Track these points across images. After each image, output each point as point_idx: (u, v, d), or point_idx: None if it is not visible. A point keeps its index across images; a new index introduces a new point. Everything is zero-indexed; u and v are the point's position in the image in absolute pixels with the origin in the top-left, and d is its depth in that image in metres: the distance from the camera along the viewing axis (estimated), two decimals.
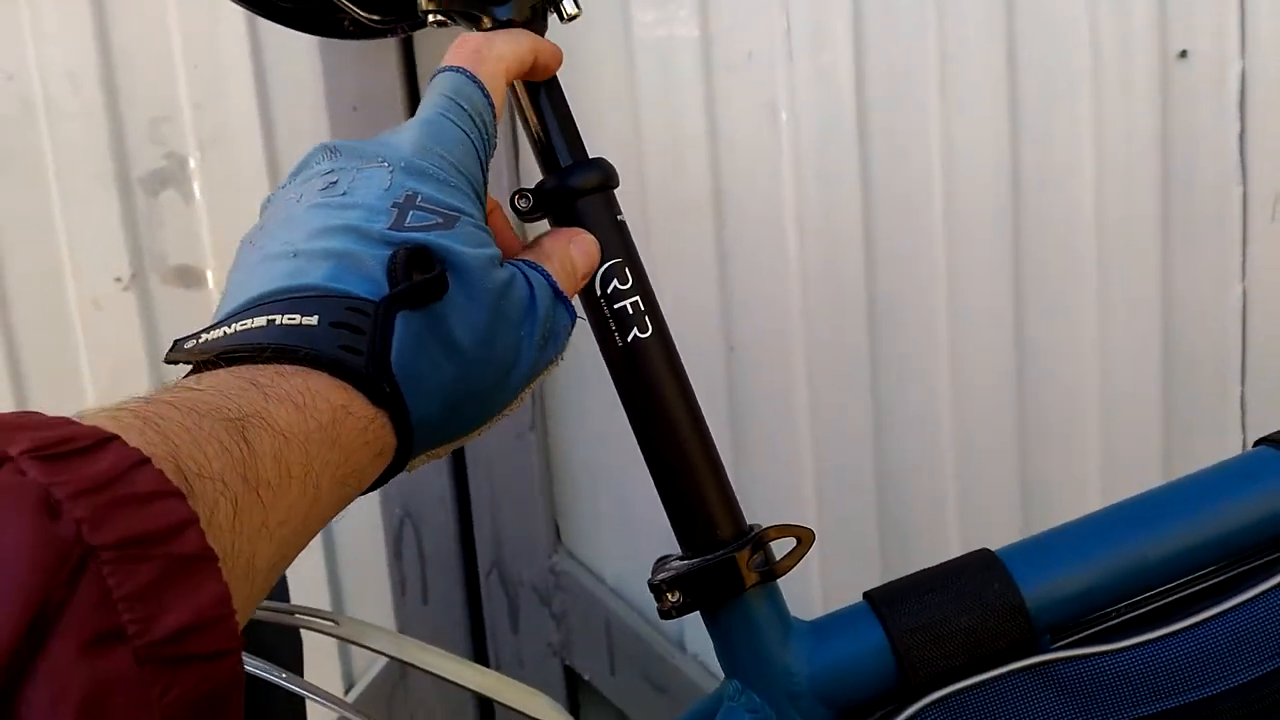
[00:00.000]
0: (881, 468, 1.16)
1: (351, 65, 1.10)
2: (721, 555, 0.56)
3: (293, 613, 0.62)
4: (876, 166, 1.10)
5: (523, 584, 1.18)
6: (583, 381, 1.17)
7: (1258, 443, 0.61)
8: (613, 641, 1.18)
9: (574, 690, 1.24)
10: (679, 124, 1.11)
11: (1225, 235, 1.07)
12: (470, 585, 1.19)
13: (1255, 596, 0.56)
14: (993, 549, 0.59)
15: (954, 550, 1.09)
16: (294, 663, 0.77)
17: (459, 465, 1.16)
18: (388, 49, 1.11)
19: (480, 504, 1.17)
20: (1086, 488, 1.11)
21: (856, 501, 1.16)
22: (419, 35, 1.12)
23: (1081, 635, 0.57)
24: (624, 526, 1.20)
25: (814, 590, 1.14)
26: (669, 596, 0.57)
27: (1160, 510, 0.59)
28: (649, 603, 1.19)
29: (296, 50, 1.12)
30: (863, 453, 1.15)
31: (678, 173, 1.12)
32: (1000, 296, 1.11)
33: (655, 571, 0.59)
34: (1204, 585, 0.58)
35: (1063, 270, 1.10)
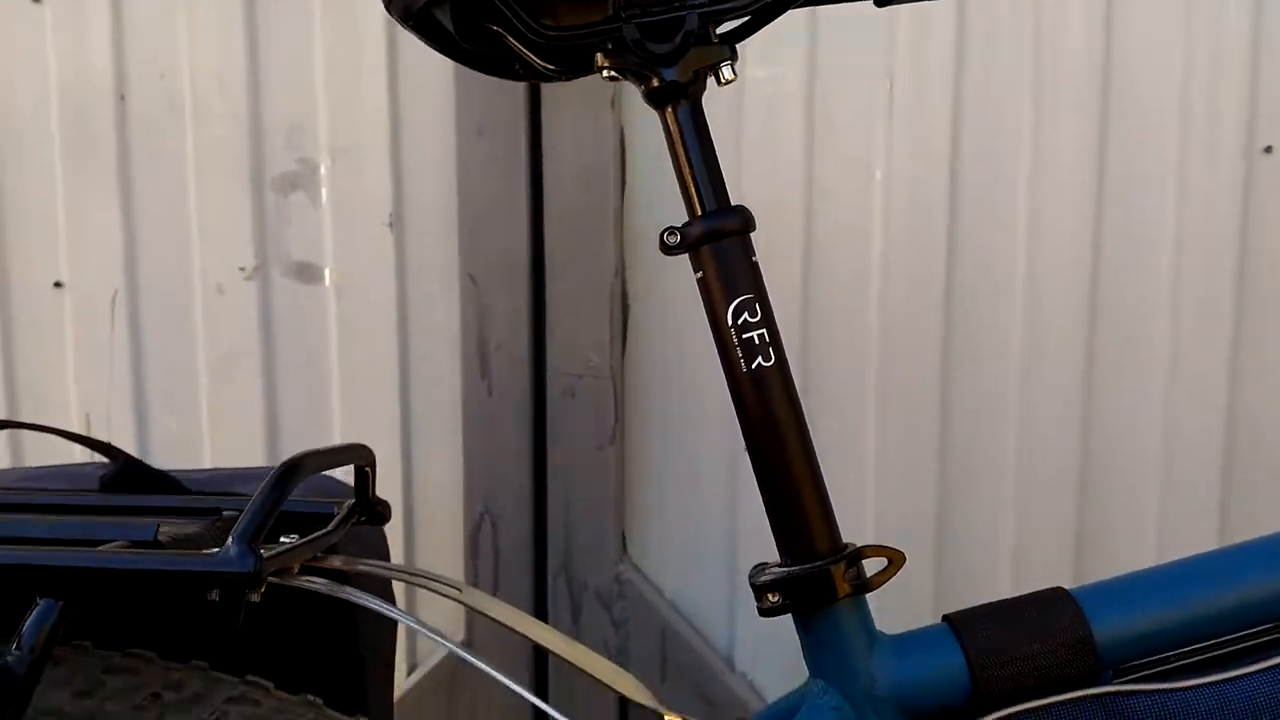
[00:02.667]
0: (942, 514, 1.21)
1: (480, 92, 1.19)
2: (820, 565, 0.62)
3: (421, 576, 0.69)
4: (963, 230, 1.17)
5: (587, 588, 1.25)
6: (663, 404, 1.24)
7: None
8: (667, 652, 1.24)
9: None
10: (778, 174, 1.19)
11: None
12: (539, 584, 1.26)
13: None
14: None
15: (1004, 591, 1.14)
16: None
17: (539, 470, 1.24)
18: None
19: (556, 509, 1.24)
20: (1142, 543, 1.16)
21: (915, 543, 1.22)
22: None
23: (1142, 674, 0.63)
24: (687, 545, 1.26)
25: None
26: (769, 597, 0.63)
27: (1230, 566, 0.64)
28: (705, 618, 1.26)
29: (430, 73, 1.21)
30: (925, 499, 1.21)
31: (773, 220, 1.19)
32: (1072, 361, 1.17)
33: (754, 575, 0.65)
34: (1265, 639, 0.63)
35: (1135, 343, 1.16)
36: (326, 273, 1.26)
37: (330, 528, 0.69)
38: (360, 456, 0.72)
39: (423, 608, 1.28)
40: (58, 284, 1.27)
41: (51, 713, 0.60)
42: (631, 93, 1.21)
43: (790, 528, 0.64)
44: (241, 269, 1.26)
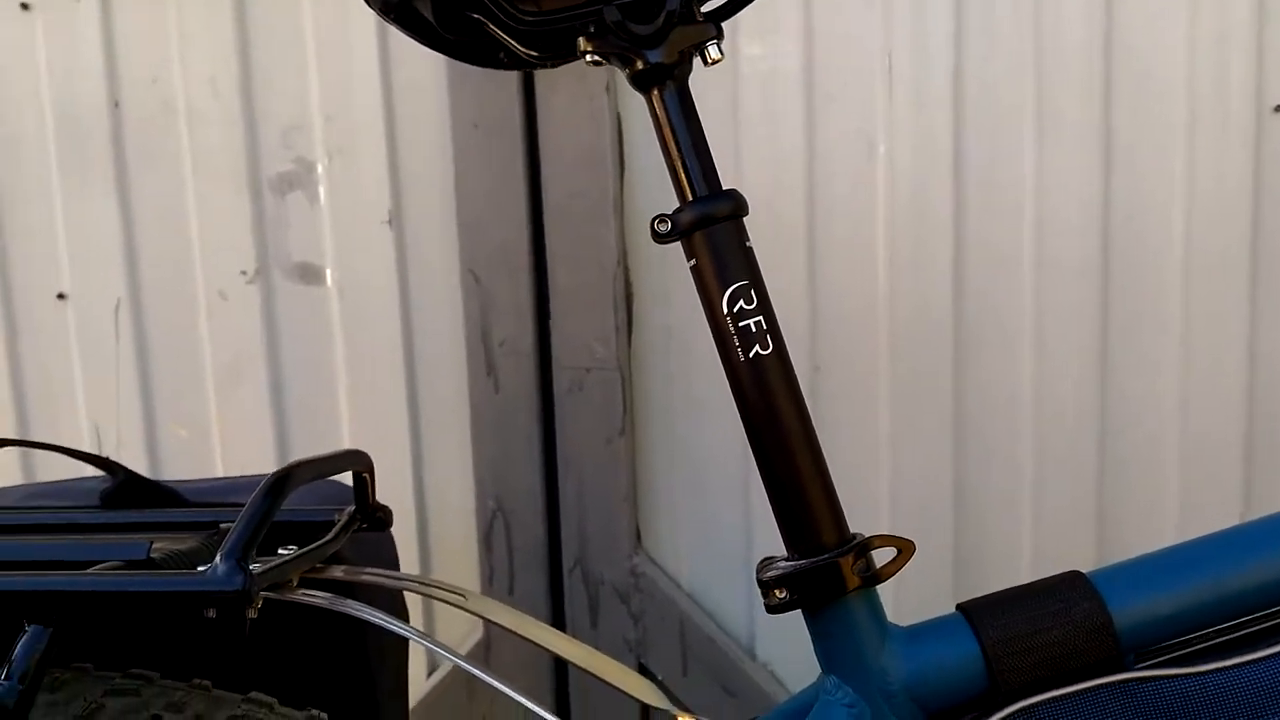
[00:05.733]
0: (959, 493, 1.19)
1: (474, 85, 1.17)
2: (828, 559, 0.60)
3: (424, 584, 0.68)
4: (969, 200, 1.14)
5: (603, 582, 1.23)
6: (671, 394, 1.22)
7: None
8: (687, 644, 1.23)
9: None
10: (779, 152, 1.16)
11: None
12: (554, 580, 1.24)
13: None
14: (1083, 571, 0.62)
15: (1024, 575, 1.12)
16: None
17: (550, 465, 1.22)
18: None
19: (568, 503, 1.22)
20: (1162, 525, 1.14)
21: (931, 523, 1.20)
22: None
23: (1166, 657, 0.61)
24: (703, 534, 1.24)
25: (885, 602, 1.17)
26: (776, 593, 0.61)
27: (1249, 544, 0.62)
28: (723, 609, 1.25)
29: (423, 68, 1.19)
30: (941, 476, 1.18)
31: (774, 199, 1.17)
32: (1086, 333, 1.14)
33: (761, 570, 0.63)
34: None
35: (1149, 310, 1.13)
36: (328, 273, 1.24)
37: (329, 537, 0.68)
38: (357, 462, 0.70)
39: (439, 613, 1.27)
40: (61, 295, 1.27)
41: None
42: (625, 87, 1.19)
43: (796, 520, 0.62)
44: (243, 273, 1.25)
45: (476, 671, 0.63)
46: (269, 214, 1.25)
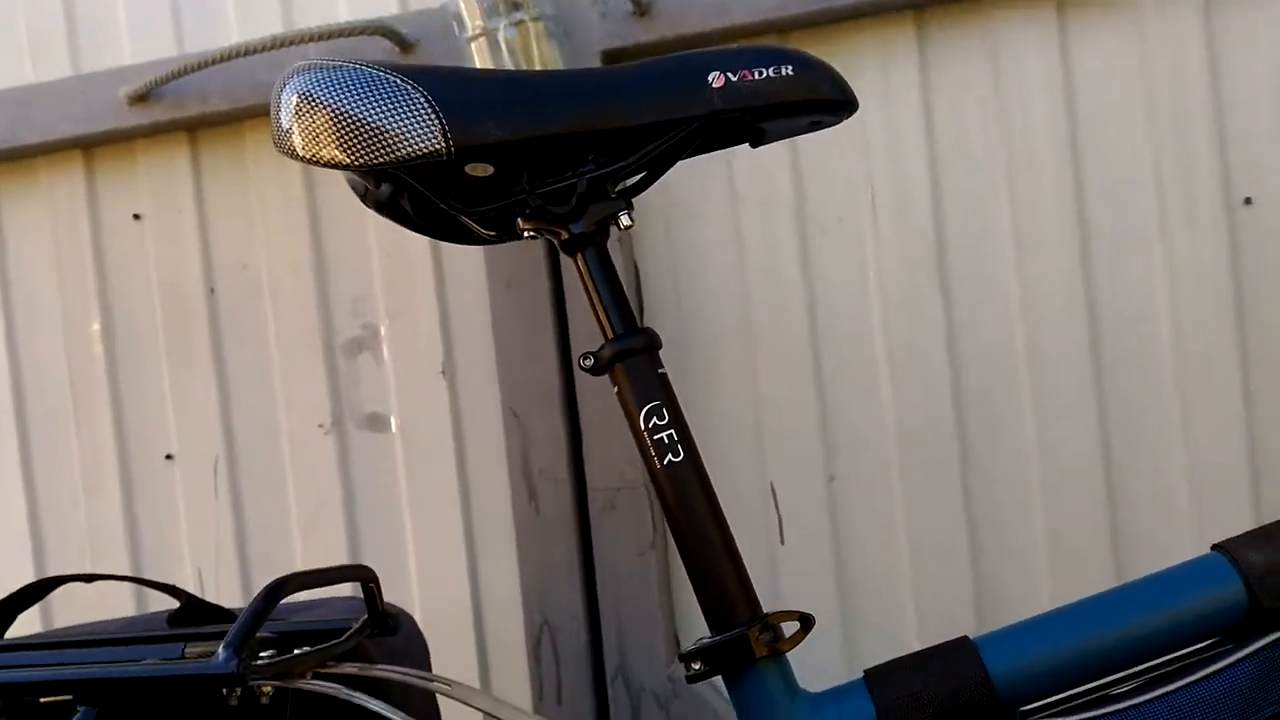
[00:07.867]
0: (979, 589, 1.25)
1: (507, 251, 1.35)
2: (737, 632, 0.71)
3: (414, 675, 0.80)
4: (959, 313, 1.25)
5: (644, 690, 1.32)
6: None
7: (1214, 547, 0.71)
8: None
9: None
10: (780, 281, 1.29)
11: None
12: (599, 689, 1.34)
13: (1199, 679, 0.65)
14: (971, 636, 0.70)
15: None
16: None
17: (589, 579, 1.34)
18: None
19: (608, 615, 1.33)
20: None
21: (956, 623, 1.26)
22: None
23: (1049, 711, 0.68)
24: None
25: None
26: (693, 665, 0.72)
27: (1120, 606, 0.69)
28: None
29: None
30: (960, 573, 1.25)
31: (780, 322, 1.30)
32: (1085, 428, 1.22)
33: (685, 649, 0.74)
34: (1158, 674, 0.68)
35: (1146, 404, 1.20)
36: (392, 420, 1.42)
37: (341, 640, 0.82)
38: (361, 575, 0.84)
39: None
40: (169, 456, 1.47)
41: None
42: (642, 232, 1.35)
43: (710, 600, 0.73)
44: (320, 425, 1.43)
45: None
46: (342, 373, 1.44)
